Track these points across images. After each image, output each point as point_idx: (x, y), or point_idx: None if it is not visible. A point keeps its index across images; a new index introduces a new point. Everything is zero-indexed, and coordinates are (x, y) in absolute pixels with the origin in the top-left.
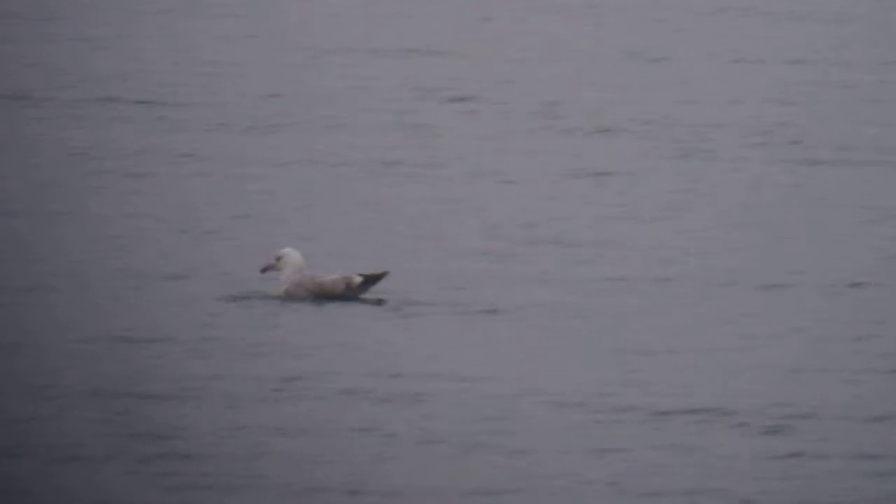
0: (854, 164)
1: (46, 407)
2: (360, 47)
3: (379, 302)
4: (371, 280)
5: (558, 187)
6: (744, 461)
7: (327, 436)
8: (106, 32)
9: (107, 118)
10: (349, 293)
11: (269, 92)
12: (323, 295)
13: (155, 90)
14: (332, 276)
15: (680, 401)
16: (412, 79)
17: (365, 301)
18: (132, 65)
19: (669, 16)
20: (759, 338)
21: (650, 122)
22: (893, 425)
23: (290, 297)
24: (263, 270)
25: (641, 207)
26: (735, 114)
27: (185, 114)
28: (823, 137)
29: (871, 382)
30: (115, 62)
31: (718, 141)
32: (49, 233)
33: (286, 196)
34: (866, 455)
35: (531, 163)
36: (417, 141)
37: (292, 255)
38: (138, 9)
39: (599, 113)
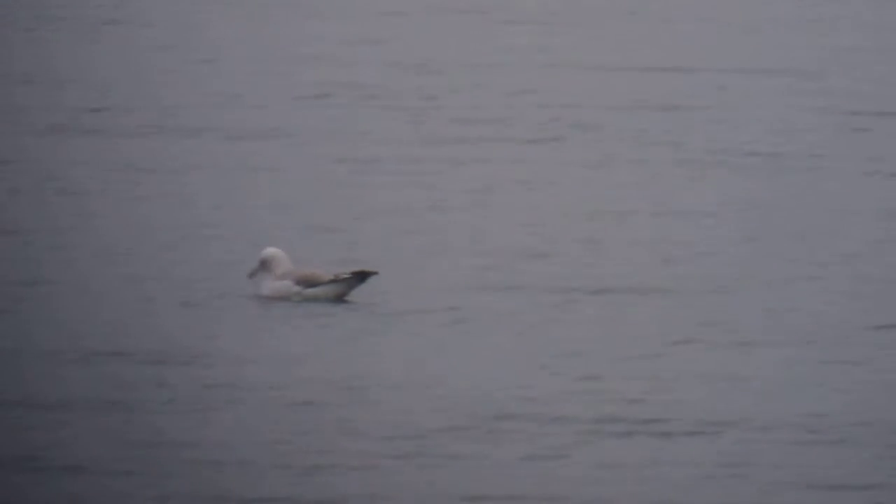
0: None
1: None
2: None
3: (361, 305)
4: (359, 277)
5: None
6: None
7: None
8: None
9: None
10: (338, 289)
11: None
12: (308, 284)
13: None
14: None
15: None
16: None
17: (349, 303)
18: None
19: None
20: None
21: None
22: (830, 434)
23: (273, 291)
24: (251, 275)
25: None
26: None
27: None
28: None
29: (799, 390)
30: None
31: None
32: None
33: (266, 199)
34: (794, 465)
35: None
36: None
37: (279, 253)
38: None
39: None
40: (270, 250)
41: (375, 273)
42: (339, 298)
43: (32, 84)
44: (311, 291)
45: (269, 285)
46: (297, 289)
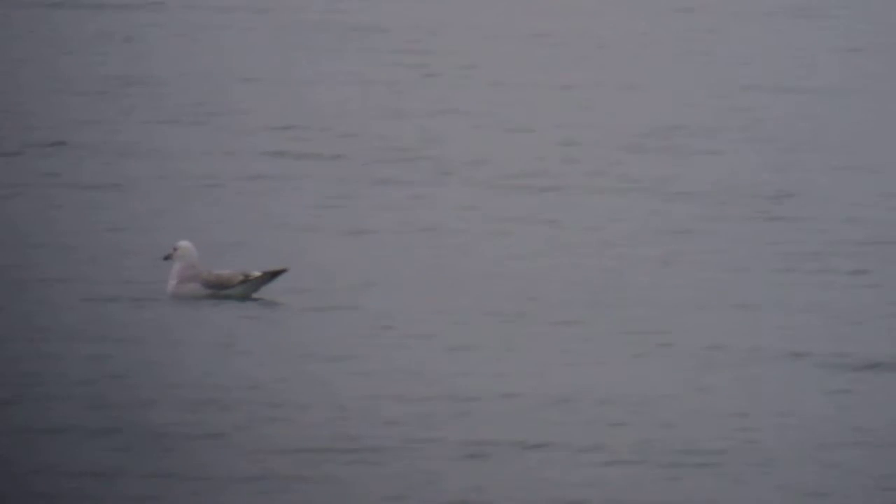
0: None
1: None
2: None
3: (268, 302)
4: (269, 276)
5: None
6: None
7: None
8: None
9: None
10: (248, 289)
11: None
12: (219, 287)
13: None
14: (229, 270)
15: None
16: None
17: (256, 300)
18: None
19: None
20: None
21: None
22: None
23: (181, 292)
24: (166, 258)
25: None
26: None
27: None
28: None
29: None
30: None
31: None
32: None
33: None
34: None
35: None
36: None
37: (186, 248)
38: None
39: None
40: (183, 243)
41: (285, 270)
42: (248, 296)
43: None
44: (222, 293)
45: (178, 287)
46: (207, 292)
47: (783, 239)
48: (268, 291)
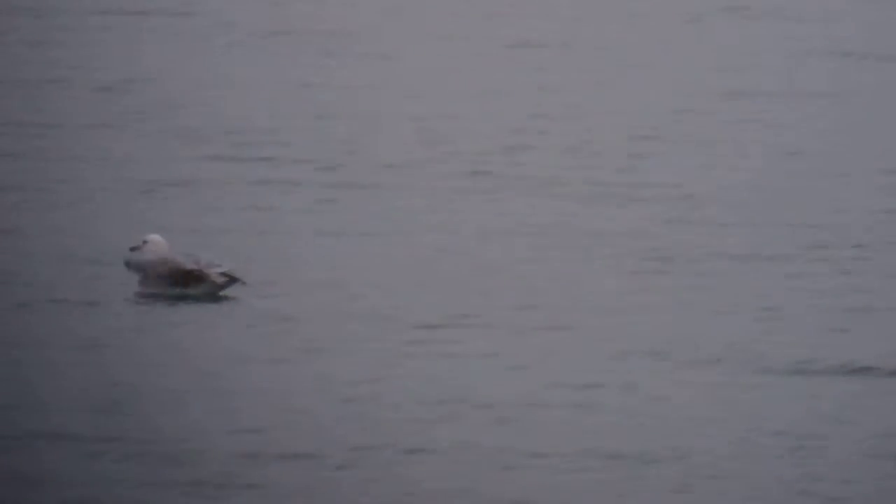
0: None
1: None
2: None
3: (250, 304)
4: (232, 279)
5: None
6: None
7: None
8: None
9: None
10: (212, 288)
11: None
12: (188, 284)
13: None
14: (190, 263)
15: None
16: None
17: (217, 299)
18: None
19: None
20: None
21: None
22: None
23: (147, 286)
24: (132, 249)
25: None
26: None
27: None
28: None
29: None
30: None
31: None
32: None
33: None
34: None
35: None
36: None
37: (156, 243)
38: None
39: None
40: (153, 236)
41: (244, 283)
42: (214, 294)
43: None
44: (189, 291)
45: (146, 283)
46: (176, 290)
47: (774, 245)
48: (248, 293)
